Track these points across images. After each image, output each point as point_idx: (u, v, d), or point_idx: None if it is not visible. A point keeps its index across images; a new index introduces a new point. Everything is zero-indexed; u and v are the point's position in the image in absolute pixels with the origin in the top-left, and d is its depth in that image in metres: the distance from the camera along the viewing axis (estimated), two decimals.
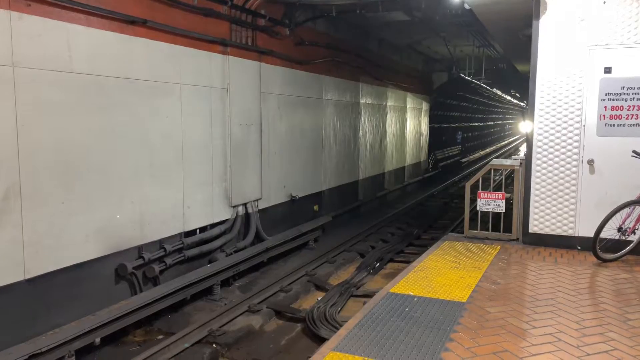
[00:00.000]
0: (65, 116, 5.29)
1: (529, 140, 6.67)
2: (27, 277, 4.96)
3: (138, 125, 6.18)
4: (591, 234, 5.92)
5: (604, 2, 6.10)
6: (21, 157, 4.86)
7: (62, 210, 5.29)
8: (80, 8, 5.34)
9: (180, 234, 6.95)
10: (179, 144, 6.84)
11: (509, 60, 15.48)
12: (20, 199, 4.86)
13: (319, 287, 7.82)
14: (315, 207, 10.63)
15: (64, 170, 5.30)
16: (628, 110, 6.14)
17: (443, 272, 5.54)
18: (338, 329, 4.55)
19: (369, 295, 6.80)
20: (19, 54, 4.81)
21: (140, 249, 6.30)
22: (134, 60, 6.08)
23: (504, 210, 6.98)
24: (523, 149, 32.53)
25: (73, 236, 5.42)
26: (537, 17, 6.41)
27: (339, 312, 6.58)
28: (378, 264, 8.81)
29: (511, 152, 36.95)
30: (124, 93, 5.97)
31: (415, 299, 4.71)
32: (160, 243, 6.60)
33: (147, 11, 6.20)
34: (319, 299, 7.11)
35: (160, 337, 5.96)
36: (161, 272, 6.46)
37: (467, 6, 8.30)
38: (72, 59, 5.33)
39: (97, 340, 5.24)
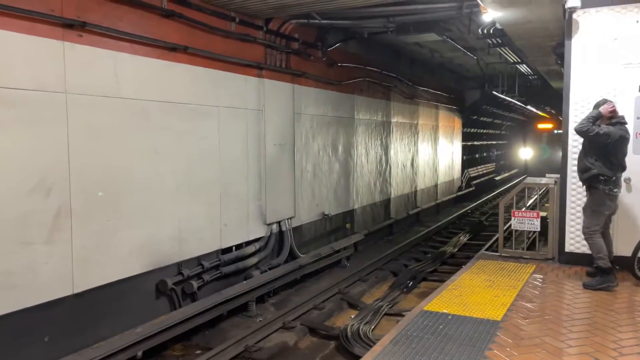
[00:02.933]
0: (112, 139, 5.60)
1: (563, 156, 6.64)
2: (76, 291, 5.22)
3: (178, 147, 6.45)
4: (629, 253, 5.84)
5: (637, 22, 6.10)
6: (72, 178, 5.16)
7: (108, 228, 5.57)
8: (127, 37, 5.68)
9: (217, 251, 7.16)
10: (216, 163, 7.09)
11: (542, 77, 15.36)
12: (70, 217, 5.15)
13: (352, 305, 7.88)
14: (348, 225, 10.73)
15: (110, 190, 5.58)
16: None
17: (477, 291, 5.55)
18: (371, 347, 4.62)
19: (402, 314, 6.84)
20: (71, 82, 5.14)
21: (179, 265, 6.53)
22: (175, 85, 6.39)
23: (539, 229, 6.94)
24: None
25: (118, 252, 5.68)
26: (570, 37, 6.43)
27: (373, 330, 6.63)
28: (411, 282, 8.81)
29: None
30: (166, 116, 6.27)
31: (450, 317, 4.75)
32: (198, 260, 6.82)
33: (188, 38, 6.51)
34: (352, 316, 7.17)
35: (198, 352, 6.12)
36: (199, 288, 6.66)
37: (498, 26, 8.39)
38: (119, 85, 5.65)
39: (139, 353, 5.44)
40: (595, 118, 5.53)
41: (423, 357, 3.92)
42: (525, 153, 32.13)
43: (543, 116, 27.57)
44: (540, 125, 29.69)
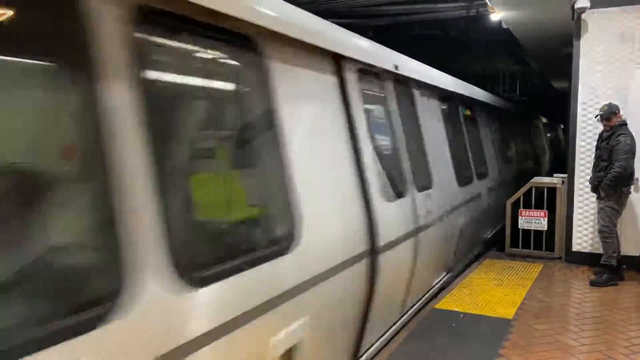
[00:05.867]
0: None
1: (571, 157, 6.68)
2: None
3: None
4: (636, 253, 5.89)
5: None
6: None
7: None
8: None
9: None
10: None
11: (546, 77, 15.40)
12: None
13: None
14: None
15: None
16: None
17: (487, 290, 5.58)
18: None
19: None
20: None
21: None
22: None
23: (545, 228, 6.98)
24: None
25: None
26: (578, 38, 6.46)
27: None
28: None
29: None
30: None
31: (462, 315, 4.78)
32: None
33: None
34: None
35: None
36: None
37: (504, 25, 8.42)
38: None
39: None
40: (634, 153, 5.63)
41: (438, 356, 3.95)
42: None
43: None
44: None
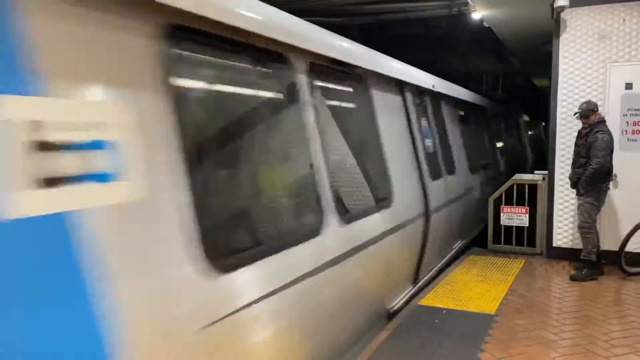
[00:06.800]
0: None
1: (551, 154, 6.76)
2: None
3: None
4: (615, 248, 5.97)
5: (624, 20, 6.23)
6: None
7: None
8: None
9: None
10: None
11: (527, 76, 15.58)
12: None
13: None
14: None
15: None
16: None
17: (470, 286, 5.63)
18: None
19: None
20: None
21: None
22: None
23: (527, 225, 7.06)
24: None
25: None
26: (558, 35, 6.55)
27: None
28: None
29: None
30: None
31: (445, 312, 4.81)
32: None
33: None
34: None
35: None
36: None
37: (486, 24, 8.50)
38: None
39: None
40: (611, 150, 5.71)
41: (421, 352, 3.97)
42: None
43: None
44: None
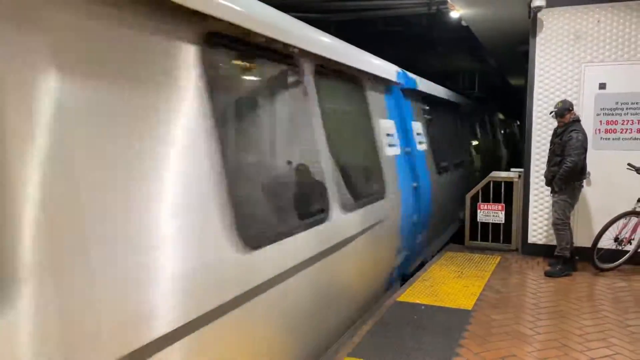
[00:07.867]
0: None
1: (527, 152, 6.87)
2: None
3: None
4: (589, 244, 6.11)
5: (598, 21, 6.36)
6: None
7: None
8: None
9: None
10: None
11: (503, 75, 15.79)
12: None
13: None
14: None
15: None
16: (622, 124, 6.38)
17: (447, 282, 5.68)
18: None
19: None
20: None
21: None
22: None
23: (503, 221, 7.16)
24: None
25: None
26: (534, 35, 6.65)
27: None
28: None
29: None
30: None
31: (423, 307, 4.85)
32: None
33: None
34: None
35: None
36: None
37: (464, 23, 8.57)
38: None
39: None
40: (585, 149, 5.81)
41: (400, 347, 3.99)
42: None
43: None
44: None
